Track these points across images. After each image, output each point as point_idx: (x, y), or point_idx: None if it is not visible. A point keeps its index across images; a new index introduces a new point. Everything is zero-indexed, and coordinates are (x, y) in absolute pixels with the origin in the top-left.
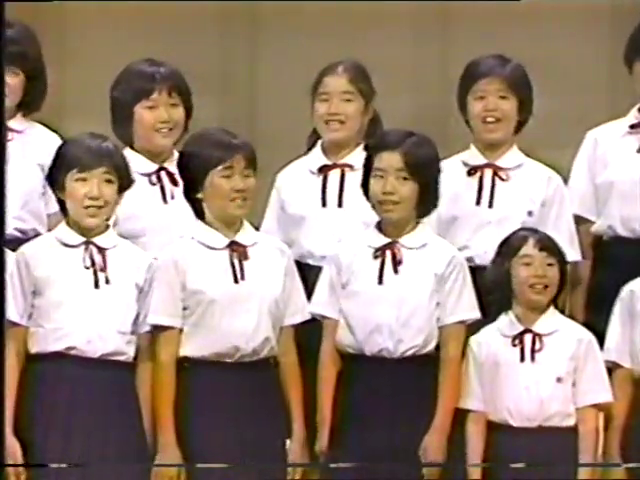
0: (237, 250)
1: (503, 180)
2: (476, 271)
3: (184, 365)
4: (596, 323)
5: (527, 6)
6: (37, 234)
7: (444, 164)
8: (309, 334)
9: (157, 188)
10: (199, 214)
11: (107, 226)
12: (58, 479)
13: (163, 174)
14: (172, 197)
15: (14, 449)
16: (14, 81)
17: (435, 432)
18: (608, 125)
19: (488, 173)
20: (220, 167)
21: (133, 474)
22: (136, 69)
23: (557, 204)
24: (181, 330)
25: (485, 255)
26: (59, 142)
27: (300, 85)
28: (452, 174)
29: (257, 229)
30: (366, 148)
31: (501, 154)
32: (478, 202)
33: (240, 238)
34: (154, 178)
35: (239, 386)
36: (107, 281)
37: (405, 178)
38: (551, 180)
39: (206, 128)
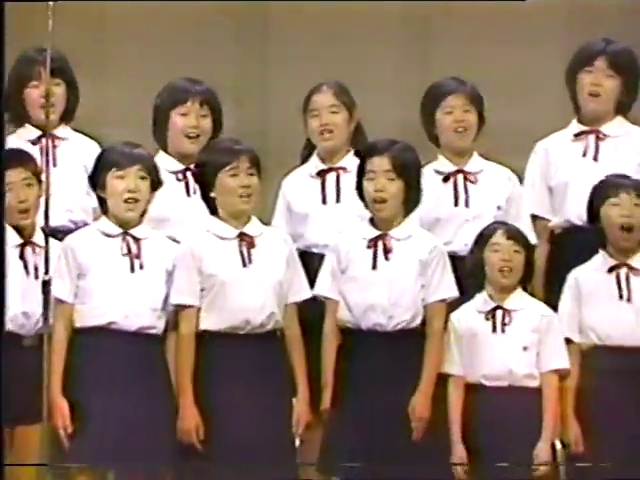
0: (245, 239)
1: (473, 183)
2: (458, 261)
3: (204, 337)
4: (554, 302)
5: (508, 27)
6: (85, 224)
7: (425, 170)
8: (312, 313)
9: (183, 184)
10: (213, 211)
11: (141, 219)
12: (102, 437)
13: (188, 173)
14: (194, 192)
15: (62, 409)
16: (59, 90)
17: (421, 393)
18: (554, 135)
19: (460, 178)
20: (227, 168)
21: (159, 433)
22: (176, 83)
23: (517, 199)
24: (199, 308)
25: (466, 247)
26: (98, 148)
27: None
28: (428, 181)
29: (265, 224)
30: (358, 154)
31: (467, 160)
32: (456, 204)
33: (248, 230)
34: (180, 176)
35: (250, 354)
36: (141, 267)
37: (392, 179)
38: (511, 179)
39: (216, 139)
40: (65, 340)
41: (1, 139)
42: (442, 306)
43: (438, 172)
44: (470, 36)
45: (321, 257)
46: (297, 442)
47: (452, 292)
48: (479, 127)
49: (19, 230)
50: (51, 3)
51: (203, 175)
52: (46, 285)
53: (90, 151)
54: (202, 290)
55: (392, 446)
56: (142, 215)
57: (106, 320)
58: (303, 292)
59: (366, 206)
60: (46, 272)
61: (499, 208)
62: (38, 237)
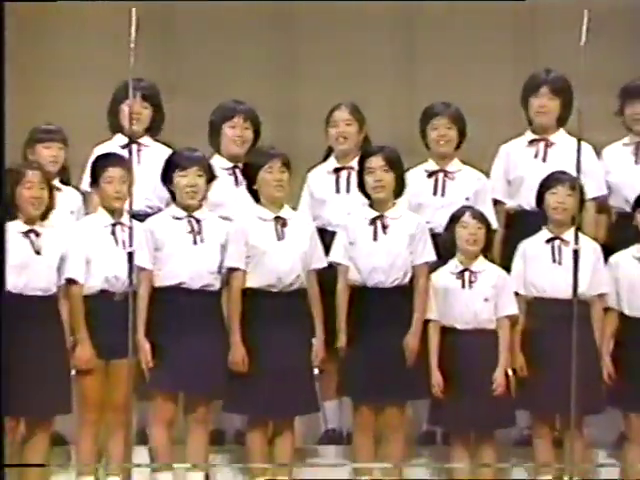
0: (279, 220)
1: (450, 179)
2: (436, 236)
3: (248, 293)
4: (508, 265)
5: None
6: (159, 210)
7: (413, 171)
8: (327, 276)
9: (232, 178)
10: (256, 199)
11: (201, 205)
12: (175, 368)
13: (237, 170)
14: (241, 184)
15: (145, 348)
16: (145, 112)
17: (412, 334)
18: (513, 141)
19: (440, 175)
20: (265, 167)
21: (216, 364)
22: (225, 104)
23: (483, 192)
24: (245, 271)
25: (441, 226)
26: (169, 152)
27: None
28: (417, 177)
29: (295, 209)
30: (360, 157)
31: (447, 163)
32: (435, 194)
33: (281, 213)
34: (230, 172)
35: (281, 305)
36: (201, 240)
37: (386, 170)
38: (480, 179)
39: (257, 145)
40: (147, 297)
41: (1, 139)
42: (425, 267)
43: (426, 170)
44: (455, 57)
45: (333, 233)
46: (316, 371)
47: (432, 257)
48: (460, 140)
49: (112, 213)
50: (132, 37)
51: (248, 172)
52: (131, 255)
53: (164, 155)
54: (247, 257)
55: (391, 372)
56: (201, 202)
57: (177, 281)
58: (321, 261)
59: (366, 196)
60: (130, 245)
61: (467, 199)
62: (125, 219)
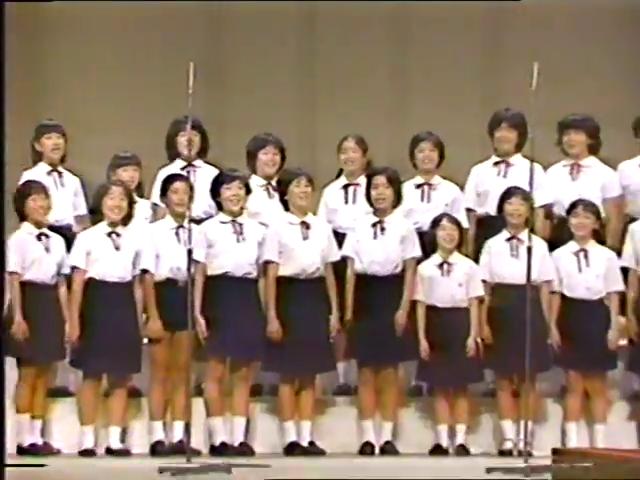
0: (304, 224)
1: (433, 190)
2: (422, 234)
3: (280, 280)
4: (478, 259)
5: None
6: (211, 216)
7: (405, 184)
8: (339, 266)
9: (266, 192)
10: (286, 208)
11: (242, 212)
12: (224, 337)
13: (269, 186)
14: (272, 197)
15: (201, 323)
16: (196, 140)
17: (401, 311)
18: (483, 164)
19: (426, 187)
20: (294, 183)
21: (257, 333)
22: (259, 136)
23: (458, 201)
24: (278, 263)
25: (426, 225)
26: (216, 172)
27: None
28: (408, 189)
29: (315, 215)
30: (368, 176)
31: (431, 177)
32: (422, 201)
33: (306, 219)
34: (264, 187)
35: (306, 289)
36: (243, 239)
37: (387, 187)
38: (455, 190)
39: (288, 167)
40: (202, 283)
41: (1, 140)
42: (413, 261)
43: (415, 184)
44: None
45: (343, 234)
46: (332, 340)
47: (418, 253)
48: (440, 161)
49: (176, 218)
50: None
51: (281, 187)
52: (190, 252)
53: (213, 174)
54: (279, 253)
55: (386, 340)
56: (242, 210)
57: (224, 270)
58: (336, 256)
59: (371, 205)
60: (189, 244)
61: (446, 205)
62: (186, 223)
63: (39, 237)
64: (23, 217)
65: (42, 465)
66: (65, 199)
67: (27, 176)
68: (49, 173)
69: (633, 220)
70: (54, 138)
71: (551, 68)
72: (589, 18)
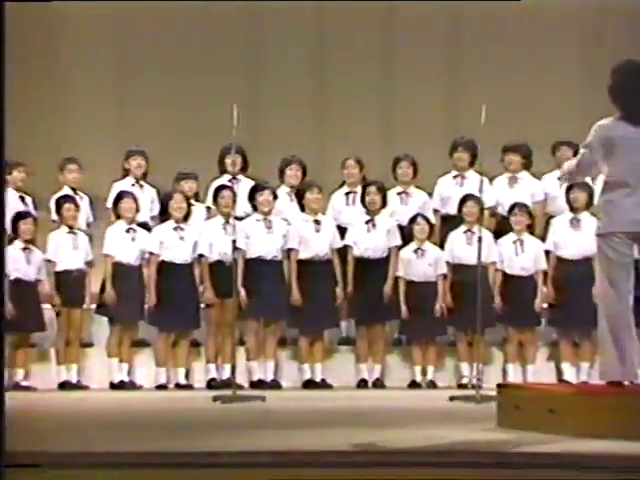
0: (316, 221)
1: (410, 197)
2: (403, 227)
3: (300, 261)
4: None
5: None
6: (248, 216)
7: (389, 192)
8: (342, 251)
9: (288, 197)
10: (302, 209)
11: (271, 212)
12: (259, 303)
13: (292, 193)
14: (293, 200)
15: (242, 293)
16: (239, 160)
17: (388, 284)
18: (445, 176)
19: (404, 194)
20: (309, 191)
21: (283, 300)
22: (287, 157)
23: (428, 204)
24: (298, 250)
25: (405, 222)
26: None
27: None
28: (392, 195)
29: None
30: (363, 187)
31: (408, 187)
32: (401, 204)
33: (318, 217)
34: (289, 194)
35: (318, 269)
36: (272, 232)
37: (377, 194)
38: (425, 196)
39: (305, 180)
40: (242, 264)
41: (1, 140)
42: (395, 248)
43: (396, 192)
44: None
45: (345, 228)
46: (337, 305)
47: (399, 242)
48: (414, 174)
49: (223, 216)
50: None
51: (300, 194)
52: (234, 241)
53: (250, 184)
54: (299, 242)
55: (376, 305)
56: (270, 210)
57: (258, 255)
58: (339, 244)
59: (365, 207)
60: (233, 235)
61: (419, 207)
62: (231, 220)
63: (128, 230)
64: (118, 216)
65: (42, 465)
66: (145, 204)
67: (118, 186)
68: (133, 185)
69: (552, 217)
70: (138, 160)
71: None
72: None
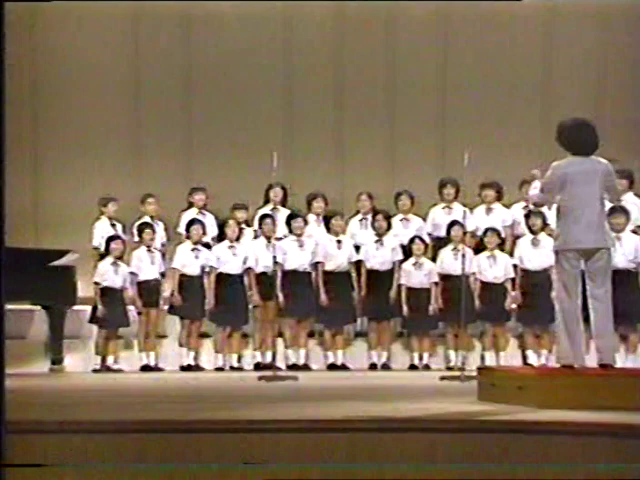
0: (338, 241)
1: (409, 221)
2: (404, 247)
3: (324, 272)
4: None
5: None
6: (286, 237)
7: (393, 219)
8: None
9: (317, 222)
10: (328, 231)
11: (302, 233)
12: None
13: (319, 219)
14: (321, 224)
15: (280, 297)
16: (280, 193)
17: (393, 289)
18: (436, 206)
19: (405, 221)
20: (333, 218)
21: (312, 300)
22: (313, 191)
23: (422, 228)
24: (324, 263)
25: (405, 241)
26: (289, 212)
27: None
28: (395, 221)
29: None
30: (373, 215)
31: (407, 215)
32: (404, 228)
33: (339, 238)
34: (317, 220)
35: (339, 278)
36: (304, 250)
37: (383, 220)
38: (421, 221)
39: (330, 208)
40: (281, 274)
41: (1, 139)
42: (399, 262)
43: (398, 219)
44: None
45: (359, 247)
46: (354, 306)
47: (401, 257)
48: (412, 205)
49: (266, 238)
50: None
51: (327, 219)
52: (275, 257)
53: (287, 213)
54: (324, 257)
55: (383, 307)
56: (302, 232)
57: (294, 267)
58: (355, 258)
59: (374, 230)
60: (274, 252)
61: (416, 230)
62: (272, 241)
63: (193, 249)
64: (188, 237)
65: (42, 465)
66: (207, 228)
67: (186, 215)
68: (197, 213)
69: (518, 237)
70: (200, 194)
71: (480, 153)
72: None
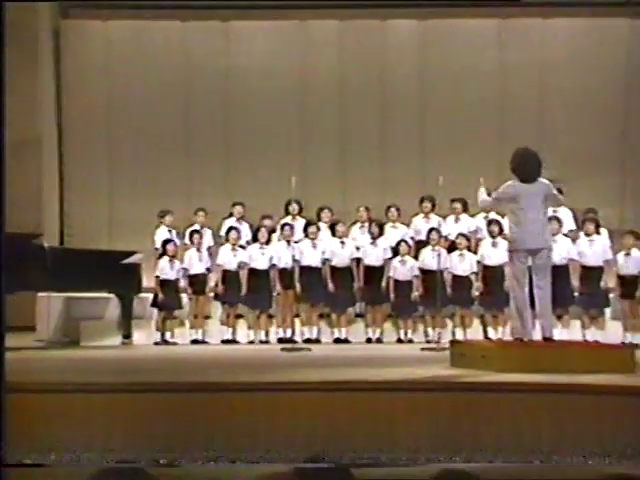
0: (342, 243)
1: (396, 229)
2: (393, 248)
3: (331, 267)
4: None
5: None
6: (301, 240)
7: (386, 226)
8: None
9: (325, 229)
10: (334, 235)
11: (316, 238)
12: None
13: (328, 227)
14: (328, 231)
15: (297, 287)
16: (297, 207)
17: (384, 281)
18: (418, 216)
19: (393, 228)
20: (338, 225)
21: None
22: (322, 205)
23: (407, 234)
24: (332, 260)
25: (394, 243)
26: (305, 221)
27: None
28: (387, 227)
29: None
30: (369, 222)
31: (395, 223)
32: (393, 232)
33: (343, 240)
34: (326, 227)
35: (343, 272)
36: (316, 249)
37: (377, 227)
38: (405, 228)
39: (335, 218)
40: (298, 270)
41: (1, 139)
42: (389, 259)
43: (389, 225)
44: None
45: (358, 247)
46: (355, 293)
47: (390, 255)
48: (398, 215)
49: (286, 241)
50: None
51: (333, 228)
52: (293, 256)
53: (303, 222)
54: (332, 255)
55: (376, 295)
56: (315, 237)
57: (307, 264)
58: (355, 256)
59: (371, 234)
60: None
61: (402, 235)
62: (292, 243)
63: (232, 249)
64: (227, 240)
65: (43, 465)
66: (242, 233)
67: (227, 223)
68: (236, 222)
69: (480, 240)
70: (239, 207)
71: (451, 175)
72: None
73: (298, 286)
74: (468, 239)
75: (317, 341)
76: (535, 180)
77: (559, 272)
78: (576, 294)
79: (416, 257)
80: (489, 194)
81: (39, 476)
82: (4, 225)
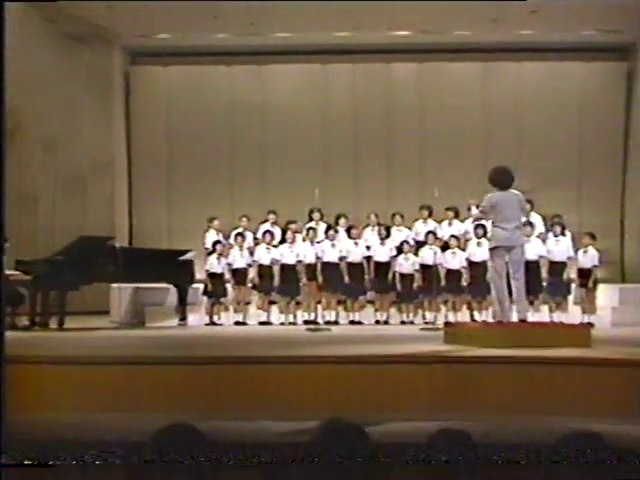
0: (356, 243)
1: (400, 232)
2: (398, 247)
3: (348, 264)
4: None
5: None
6: (323, 241)
7: (392, 229)
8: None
9: (346, 233)
10: (349, 237)
11: (335, 238)
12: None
13: (344, 230)
14: (345, 234)
15: (319, 280)
16: (318, 214)
17: (390, 275)
18: (418, 221)
19: (397, 230)
20: (352, 229)
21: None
22: (340, 213)
23: (410, 236)
24: (347, 257)
25: (398, 244)
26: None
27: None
28: (394, 231)
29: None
30: (378, 226)
31: (399, 227)
32: (397, 234)
33: (357, 241)
34: (344, 230)
35: (356, 268)
36: (334, 248)
37: (384, 230)
38: (408, 231)
39: (350, 223)
40: (320, 265)
41: (1, 142)
42: (394, 257)
43: (395, 229)
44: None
45: (369, 246)
46: (366, 285)
47: (395, 253)
48: (402, 220)
49: (310, 241)
50: None
51: (349, 229)
52: (316, 254)
53: (325, 226)
54: (347, 253)
55: (385, 284)
56: (334, 238)
57: (328, 260)
58: (366, 254)
59: (379, 236)
60: (322, 253)
61: (406, 236)
62: (314, 243)
63: (267, 248)
64: (263, 241)
65: (44, 465)
66: (275, 235)
67: (262, 227)
68: (271, 226)
69: (468, 241)
70: (272, 215)
71: (446, 187)
72: None
73: (320, 278)
74: (458, 240)
75: (336, 323)
76: (508, 189)
77: (531, 266)
78: (545, 284)
79: (417, 254)
80: (477, 206)
81: (39, 476)
82: (4, 225)
